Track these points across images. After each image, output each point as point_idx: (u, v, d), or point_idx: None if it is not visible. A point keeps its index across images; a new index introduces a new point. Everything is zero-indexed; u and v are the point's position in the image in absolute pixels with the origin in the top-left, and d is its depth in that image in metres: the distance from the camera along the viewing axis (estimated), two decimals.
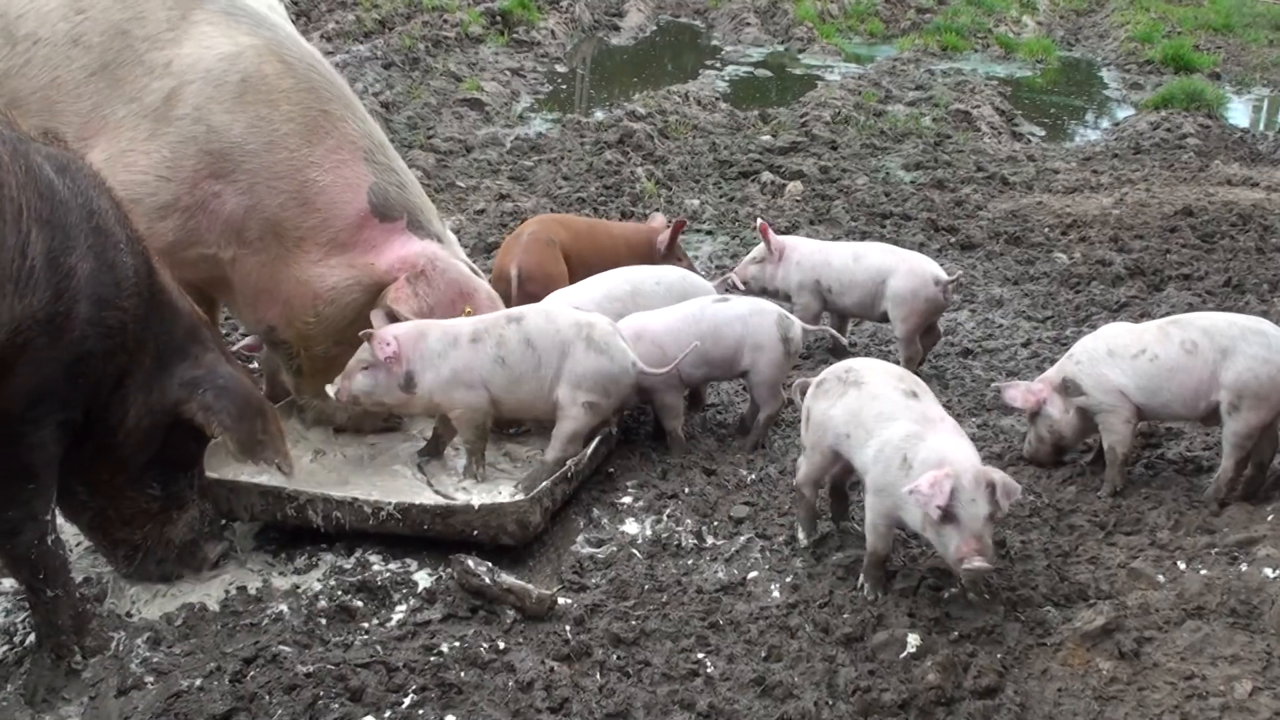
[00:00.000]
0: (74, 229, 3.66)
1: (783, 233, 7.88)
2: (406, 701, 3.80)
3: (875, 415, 4.32)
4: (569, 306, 5.33)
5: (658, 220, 7.06)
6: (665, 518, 4.97)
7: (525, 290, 6.08)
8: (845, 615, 4.26)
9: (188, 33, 4.78)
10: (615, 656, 4.08)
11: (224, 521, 4.76)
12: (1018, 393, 5.38)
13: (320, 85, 4.92)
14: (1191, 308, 7.32)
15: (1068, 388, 5.22)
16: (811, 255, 6.68)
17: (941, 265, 6.70)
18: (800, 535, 4.78)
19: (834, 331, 6.36)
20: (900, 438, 4.21)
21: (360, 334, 4.88)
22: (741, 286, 6.56)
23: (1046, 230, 9.30)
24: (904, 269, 6.45)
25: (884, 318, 6.55)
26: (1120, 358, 5.12)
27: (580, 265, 6.33)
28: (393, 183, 5.01)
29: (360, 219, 4.94)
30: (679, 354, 5.33)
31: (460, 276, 5.14)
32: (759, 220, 6.91)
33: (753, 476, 5.33)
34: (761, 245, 6.74)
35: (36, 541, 3.85)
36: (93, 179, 3.90)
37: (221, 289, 5.14)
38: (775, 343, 5.49)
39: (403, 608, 4.40)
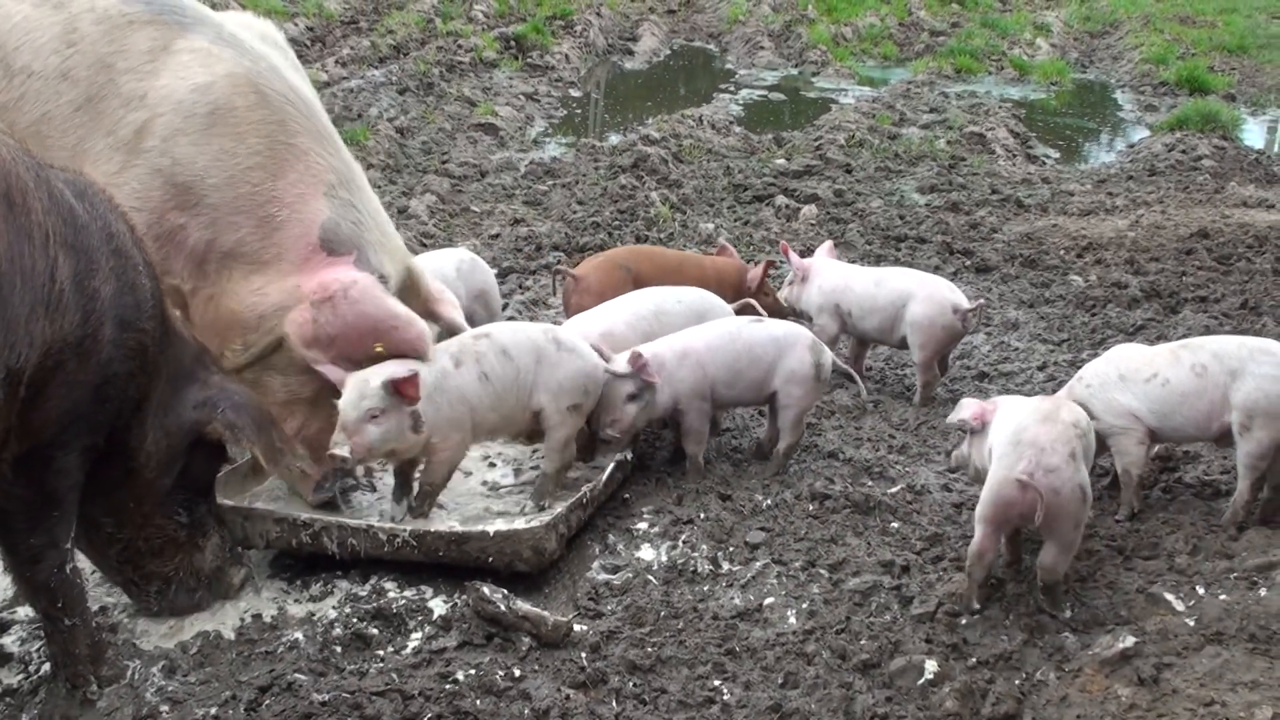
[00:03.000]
0: (96, 252, 3.70)
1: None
2: None
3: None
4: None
5: (729, 250, 7.09)
6: (681, 543, 4.96)
7: (574, 302, 6.24)
8: (862, 641, 4.25)
9: (166, 64, 4.74)
10: (631, 684, 4.06)
11: (240, 546, 4.77)
12: None
13: (292, 118, 4.80)
14: (1208, 330, 7.29)
15: None
16: (832, 278, 6.68)
17: (964, 292, 6.68)
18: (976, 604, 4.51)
19: (847, 368, 6.32)
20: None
21: (396, 376, 4.62)
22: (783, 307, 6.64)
23: (1062, 253, 9.28)
24: (923, 295, 6.42)
25: (903, 343, 6.53)
26: (1132, 382, 5.12)
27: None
28: (349, 218, 4.82)
29: (309, 252, 4.76)
30: (718, 373, 5.38)
31: (377, 312, 4.71)
32: (781, 242, 6.93)
33: (768, 502, 5.32)
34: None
35: (56, 570, 3.87)
36: (109, 203, 3.94)
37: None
38: (808, 369, 5.48)
39: (418, 635, 4.39)
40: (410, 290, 5.02)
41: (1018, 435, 4.45)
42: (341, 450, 4.61)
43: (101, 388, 3.77)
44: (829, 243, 7.17)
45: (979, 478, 4.80)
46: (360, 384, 4.62)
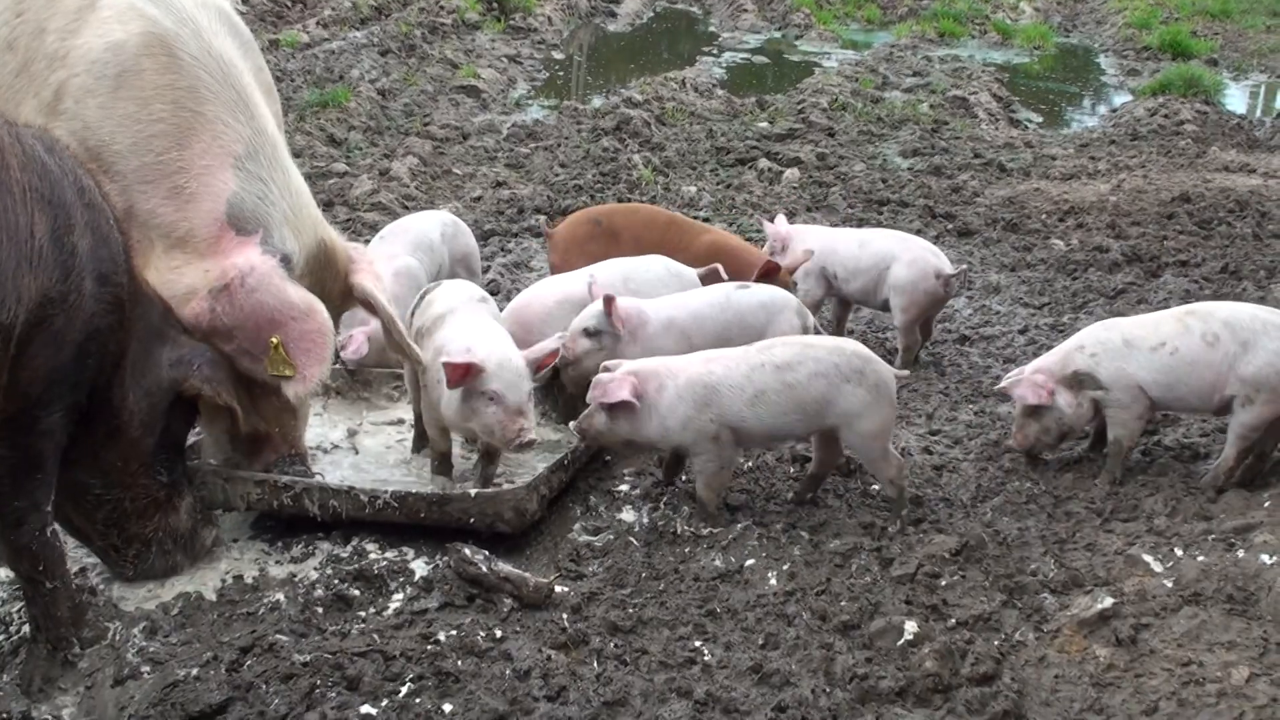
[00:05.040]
0: (70, 207, 3.69)
1: (796, 223, 7.85)
2: (404, 690, 3.79)
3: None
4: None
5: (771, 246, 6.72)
6: (662, 505, 4.96)
7: (550, 260, 6.25)
8: (843, 603, 4.26)
9: (88, 21, 4.56)
10: (612, 645, 4.07)
11: (220, 508, 4.80)
12: (1026, 389, 5.24)
13: (204, 84, 4.55)
14: (1189, 294, 7.32)
15: (1081, 381, 5.15)
16: (818, 242, 6.60)
17: (946, 256, 6.66)
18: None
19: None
20: None
21: (538, 354, 4.80)
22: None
23: (1044, 217, 9.29)
24: (906, 259, 6.40)
25: (885, 305, 6.52)
26: (1138, 350, 5.05)
27: (644, 248, 6.15)
28: (254, 193, 4.58)
29: (219, 229, 4.54)
30: (704, 343, 5.22)
31: (275, 301, 4.43)
32: (763, 217, 6.86)
33: (749, 464, 5.32)
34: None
35: (38, 533, 3.87)
36: (75, 159, 3.93)
37: None
38: (796, 330, 5.43)
39: (399, 596, 4.39)
40: (324, 264, 4.77)
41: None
42: (530, 434, 4.64)
43: (84, 344, 3.77)
44: (781, 217, 6.93)
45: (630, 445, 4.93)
46: (517, 367, 4.67)
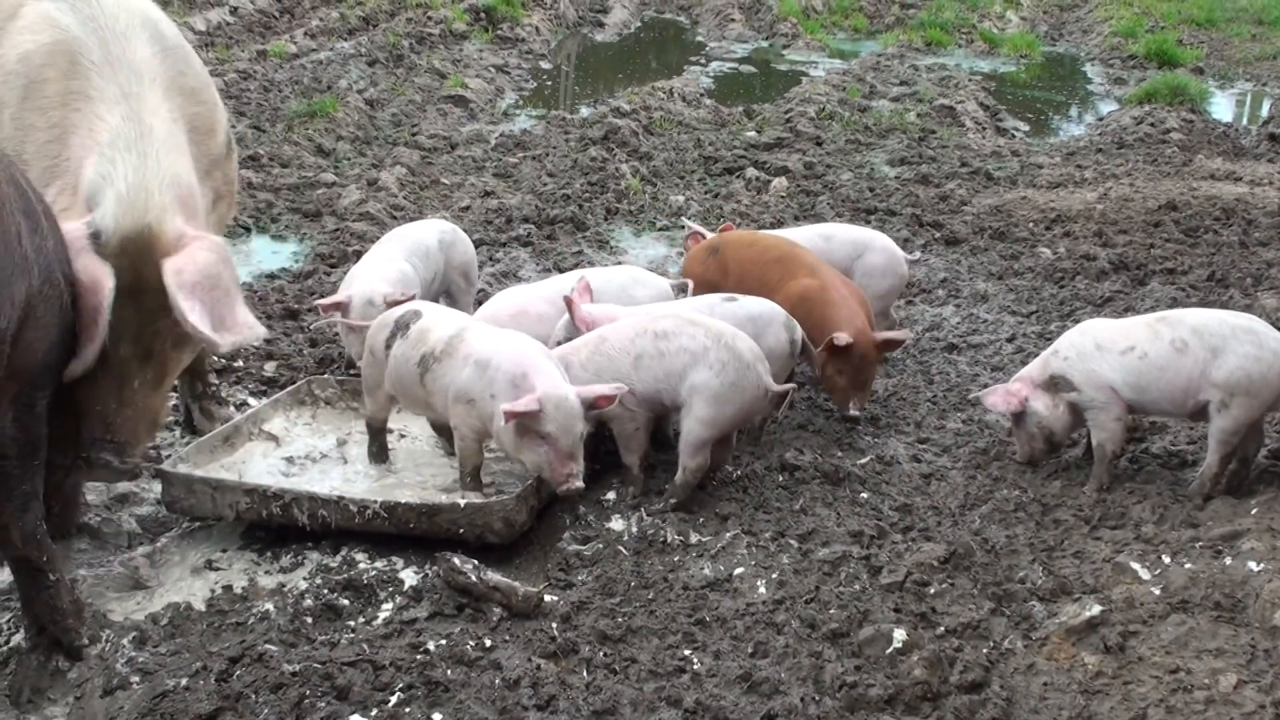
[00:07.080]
0: (36, 212, 3.79)
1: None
2: (393, 700, 3.80)
3: None
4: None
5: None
6: (651, 514, 4.97)
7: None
8: (831, 611, 4.27)
9: (8, 32, 4.58)
10: (602, 654, 4.08)
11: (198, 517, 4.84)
12: (998, 398, 5.34)
13: (95, 86, 4.50)
14: (1175, 302, 7.33)
15: (1057, 384, 5.19)
16: None
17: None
18: None
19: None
20: None
21: (601, 394, 4.77)
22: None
23: (1031, 225, 9.31)
24: (878, 246, 6.59)
25: None
26: (1108, 352, 5.11)
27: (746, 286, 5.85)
28: (101, 173, 4.41)
29: (83, 212, 4.36)
30: None
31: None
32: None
33: (738, 473, 5.32)
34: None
35: (40, 520, 3.90)
36: (15, 164, 3.99)
37: None
38: (784, 346, 5.42)
39: (389, 606, 4.39)
40: (143, 249, 4.39)
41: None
42: (579, 482, 4.71)
43: (64, 333, 3.89)
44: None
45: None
46: (573, 408, 4.66)
